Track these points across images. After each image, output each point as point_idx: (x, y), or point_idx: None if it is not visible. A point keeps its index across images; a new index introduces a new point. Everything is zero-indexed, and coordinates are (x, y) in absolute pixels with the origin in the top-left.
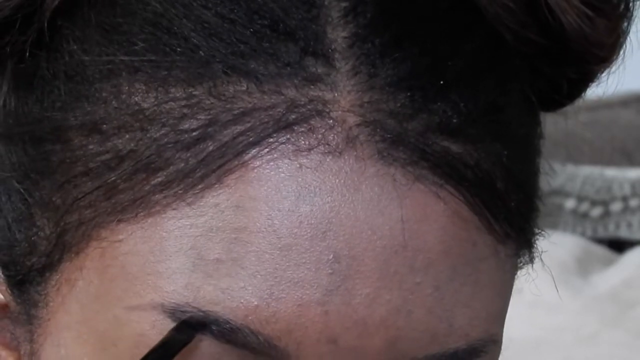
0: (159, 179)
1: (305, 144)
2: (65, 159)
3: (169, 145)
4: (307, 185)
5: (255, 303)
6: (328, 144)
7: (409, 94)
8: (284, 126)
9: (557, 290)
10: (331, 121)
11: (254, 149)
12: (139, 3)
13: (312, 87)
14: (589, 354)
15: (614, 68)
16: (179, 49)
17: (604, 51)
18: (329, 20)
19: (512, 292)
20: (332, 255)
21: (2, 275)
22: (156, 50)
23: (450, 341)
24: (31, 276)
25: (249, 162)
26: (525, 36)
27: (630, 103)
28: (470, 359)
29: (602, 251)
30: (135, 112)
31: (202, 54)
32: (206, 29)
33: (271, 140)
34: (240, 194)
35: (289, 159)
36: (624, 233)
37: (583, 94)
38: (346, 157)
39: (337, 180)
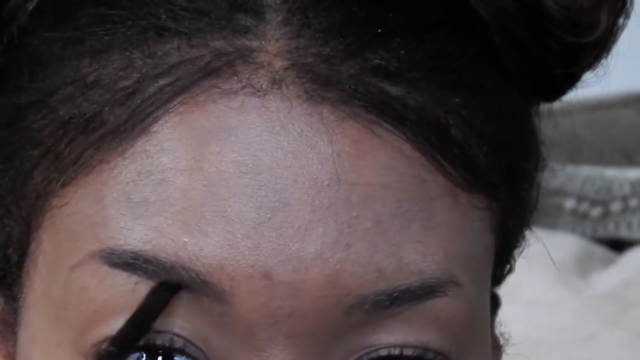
0: (95, 137)
1: (229, 87)
2: (21, 139)
3: (106, 105)
4: (230, 124)
5: (185, 239)
6: (252, 86)
7: (341, 39)
8: (209, 73)
9: (557, 290)
10: (256, 65)
11: (179, 97)
12: None
13: (240, 37)
14: (588, 354)
15: (614, 68)
16: (117, 19)
17: (587, 17)
18: None
19: (511, 292)
20: (257, 188)
21: None
22: (98, 22)
23: (400, 277)
24: (11, 271)
25: (174, 108)
26: (499, 7)
27: (630, 103)
28: (427, 297)
29: (602, 251)
30: (77, 81)
31: (139, 21)
32: None
33: (195, 87)
34: (167, 138)
35: (214, 102)
36: (624, 233)
37: (580, 79)
38: (271, 98)
39: (261, 119)
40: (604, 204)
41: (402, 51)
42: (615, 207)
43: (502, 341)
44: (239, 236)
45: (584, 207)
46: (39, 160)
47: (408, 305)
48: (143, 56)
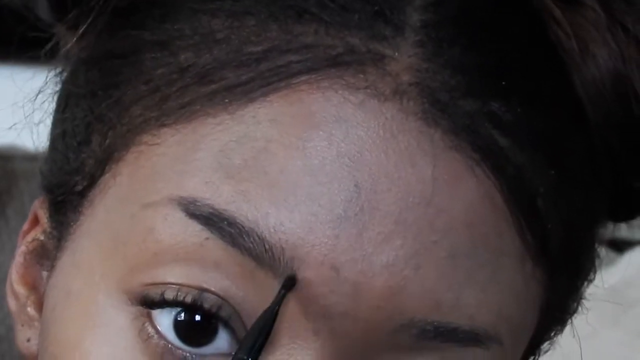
0: (209, 90)
1: (353, 82)
2: (131, 72)
3: (229, 63)
4: (346, 116)
5: (269, 210)
6: (376, 89)
7: (467, 77)
8: (338, 63)
9: None
10: (384, 72)
11: (304, 76)
12: None
13: (375, 42)
14: (588, 353)
15: None
16: None
17: None
18: (411, 2)
19: None
20: (354, 184)
21: (46, 206)
22: None
23: (453, 315)
24: (71, 198)
25: (296, 85)
26: (608, 111)
27: None
28: (470, 344)
29: (602, 251)
30: (206, 34)
31: None
32: None
33: (321, 72)
34: (281, 110)
35: (335, 91)
36: (624, 233)
37: None
38: (390, 105)
39: (376, 122)
40: None
41: (519, 109)
42: None
43: None
44: (322, 222)
45: None
46: (142, 96)
47: (449, 345)
48: (279, 29)
